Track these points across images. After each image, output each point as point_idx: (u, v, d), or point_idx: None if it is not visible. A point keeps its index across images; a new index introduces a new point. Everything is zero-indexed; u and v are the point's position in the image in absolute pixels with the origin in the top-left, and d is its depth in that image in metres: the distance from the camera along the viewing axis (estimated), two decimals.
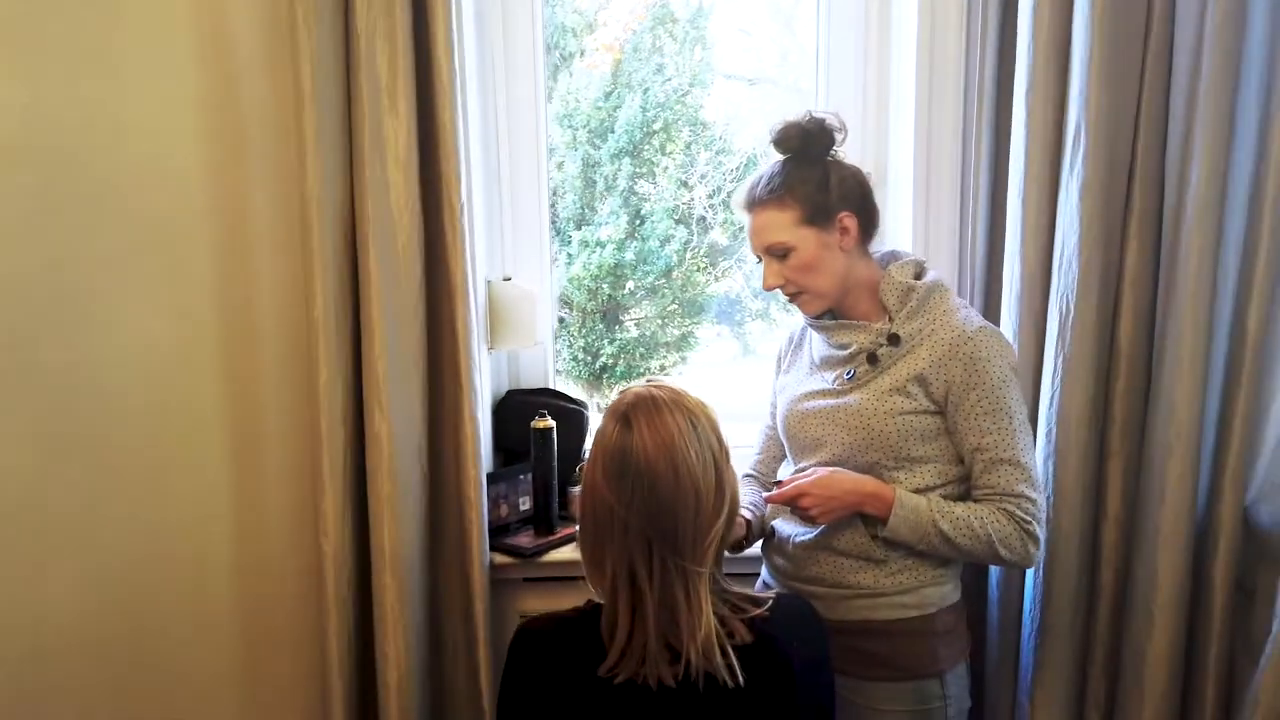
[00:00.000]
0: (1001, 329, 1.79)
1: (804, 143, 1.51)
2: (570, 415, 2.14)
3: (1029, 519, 1.47)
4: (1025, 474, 1.48)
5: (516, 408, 2.16)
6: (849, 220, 1.51)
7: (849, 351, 1.55)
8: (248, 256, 1.86)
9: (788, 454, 1.70)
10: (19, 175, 1.69)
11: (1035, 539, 1.48)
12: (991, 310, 1.86)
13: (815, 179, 1.50)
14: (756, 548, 1.69)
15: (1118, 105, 1.65)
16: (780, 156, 1.54)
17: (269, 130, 1.81)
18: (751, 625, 1.18)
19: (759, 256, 1.56)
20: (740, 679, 1.14)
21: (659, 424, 1.16)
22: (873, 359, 1.53)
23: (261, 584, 1.95)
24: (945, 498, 1.51)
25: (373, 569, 1.79)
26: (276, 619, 1.96)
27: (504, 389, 2.22)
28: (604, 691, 1.16)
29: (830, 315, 1.60)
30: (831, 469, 1.52)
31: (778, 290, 1.55)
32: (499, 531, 2.02)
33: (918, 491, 1.50)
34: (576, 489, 2.11)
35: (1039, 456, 1.74)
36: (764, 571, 1.71)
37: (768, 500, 1.58)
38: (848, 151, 1.58)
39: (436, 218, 1.78)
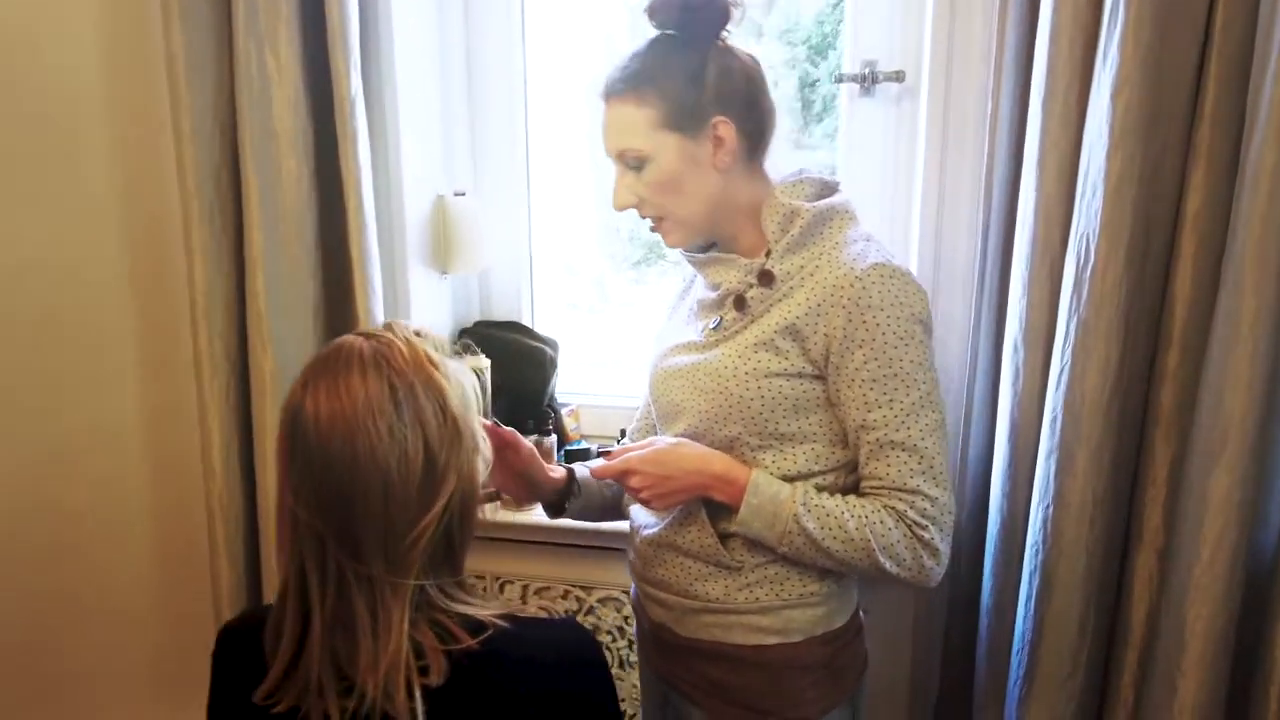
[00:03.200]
0: (1012, 281, 1.34)
1: (683, 17, 1.13)
2: (528, 354, 1.88)
3: (924, 522, 1.09)
4: (923, 463, 1.10)
5: (475, 340, 1.92)
6: (725, 128, 1.13)
7: (718, 294, 1.20)
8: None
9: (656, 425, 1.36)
10: None
11: (933, 550, 1.11)
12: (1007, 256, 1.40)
13: (687, 70, 1.12)
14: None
15: None
16: (653, 33, 1.17)
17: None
18: (452, 661, 0.89)
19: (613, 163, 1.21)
20: None
21: (341, 389, 0.88)
22: (740, 303, 1.17)
23: (163, 520, 1.87)
24: (824, 489, 1.15)
25: (258, 511, 1.65)
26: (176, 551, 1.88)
27: (473, 319, 1.99)
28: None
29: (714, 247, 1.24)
30: (676, 440, 1.19)
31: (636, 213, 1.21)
32: None
33: (786, 480, 1.15)
34: (531, 438, 1.86)
35: (1041, 450, 1.29)
36: None
37: (593, 473, 1.26)
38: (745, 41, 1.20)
39: (327, 119, 1.54)
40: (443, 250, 1.85)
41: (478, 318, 2.00)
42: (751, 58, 1.17)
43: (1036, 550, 1.31)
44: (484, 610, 0.93)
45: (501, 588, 1.84)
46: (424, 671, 0.88)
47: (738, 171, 1.16)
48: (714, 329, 1.20)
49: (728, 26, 1.14)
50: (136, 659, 1.95)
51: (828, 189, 1.21)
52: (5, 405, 1.71)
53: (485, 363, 1.74)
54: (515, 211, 1.93)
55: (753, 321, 1.16)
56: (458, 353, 1.65)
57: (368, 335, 0.94)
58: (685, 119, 1.12)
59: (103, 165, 1.71)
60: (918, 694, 1.70)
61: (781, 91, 1.91)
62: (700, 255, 1.22)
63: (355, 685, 0.88)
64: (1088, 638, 1.31)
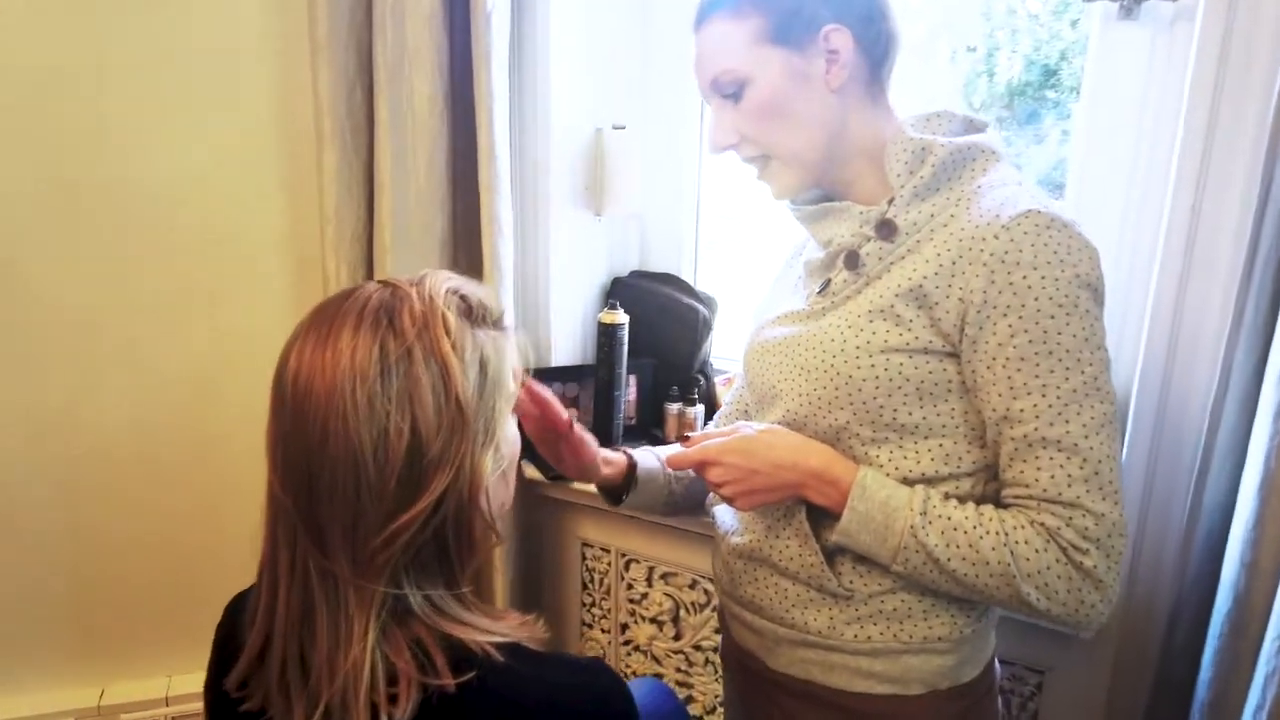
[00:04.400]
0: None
1: None
2: (679, 312, 1.68)
3: (1084, 544, 0.84)
4: (1086, 467, 0.84)
5: (627, 294, 1.74)
6: (840, 37, 0.89)
7: (828, 253, 0.96)
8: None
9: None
10: None
11: (1096, 581, 0.84)
12: None
13: None
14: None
15: None
16: None
17: None
18: (426, 697, 0.72)
19: (709, 102, 0.98)
20: None
21: (329, 344, 0.72)
22: (853, 261, 0.92)
23: None
24: (955, 498, 0.90)
25: None
26: None
27: (630, 268, 1.81)
28: (224, 712, 0.80)
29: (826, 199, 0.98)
30: (767, 427, 0.96)
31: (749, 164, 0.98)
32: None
33: (905, 484, 0.90)
34: (674, 407, 1.67)
35: (1258, 446, 0.93)
36: None
37: (668, 463, 1.04)
38: None
39: (466, 37, 1.39)
40: (597, 189, 1.67)
41: (635, 267, 1.82)
42: None
43: None
44: (484, 635, 0.76)
45: (627, 566, 1.69)
46: (394, 700, 0.72)
47: (856, 97, 0.92)
48: (820, 293, 0.96)
49: None
50: None
51: (972, 126, 0.95)
52: (163, 319, 1.73)
53: (622, 319, 1.56)
54: (683, 151, 1.71)
55: (868, 284, 0.92)
56: (611, 306, 1.50)
57: (387, 284, 0.77)
58: (791, 28, 0.89)
59: (260, 82, 1.67)
60: None
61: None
62: (809, 207, 0.97)
63: (319, 696, 0.73)
64: None
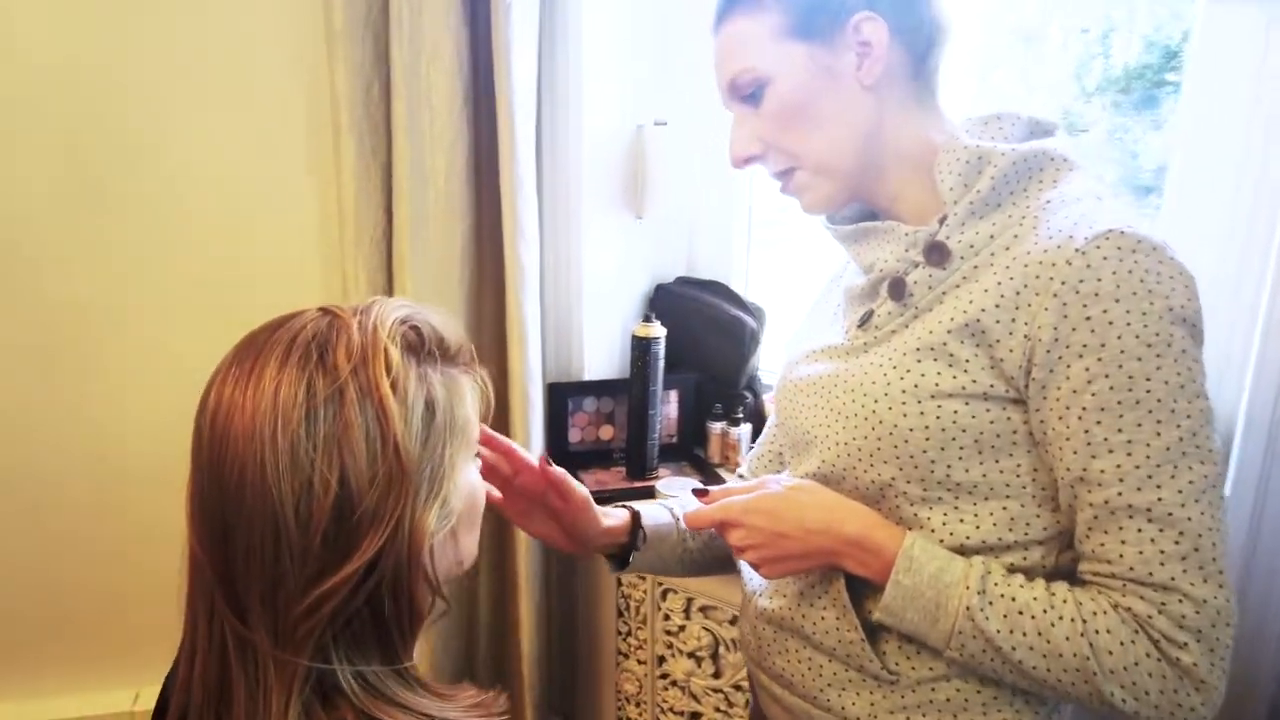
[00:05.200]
0: None
1: None
2: (724, 323, 1.55)
3: (1180, 637, 0.68)
4: (1184, 542, 0.68)
5: (669, 303, 1.63)
6: (872, 27, 0.76)
7: (870, 279, 0.82)
8: None
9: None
10: None
11: (1197, 681, 0.68)
12: None
13: None
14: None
15: None
16: None
17: None
18: None
19: (729, 109, 0.85)
20: None
21: (252, 380, 0.62)
22: (898, 290, 0.78)
23: None
24: (1021, 571, 0.76)
25: None
26: None
27: (675, 275, 1.69)
28: None
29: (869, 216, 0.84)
30: (798, 483, 0.83)
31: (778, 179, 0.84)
32: (588, 458, 1.56)
33: (960, 553, 0.76)
34: (717, 426, 1.55)
35: None
36: None
37: (686, 521, 0.89)
38: None
39: (486, 26, 1.29)
40: (638, 190, 1.56)
41: (681, 273, 1.70)
42: None
43: None
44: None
45: (664, 595, 1.57)
46: None
47: (897, 97, 0.78)
48: (861, 327, 0.82)
49: None
50: None
51: (1039, 129, 0.79)
52: (187, 317, 1.70)
53: (658, 332, 1.44)
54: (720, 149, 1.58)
55: (916, 317, 0.77)
56: (646, 319, 1.38)
57: (327, 311, 0.68)
58: (815, 19, 0.76)
59: (283, 75, 1.60)
60: None
61: None
62: (847, 226, 0.83)
63: None
64: None
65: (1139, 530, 0.69)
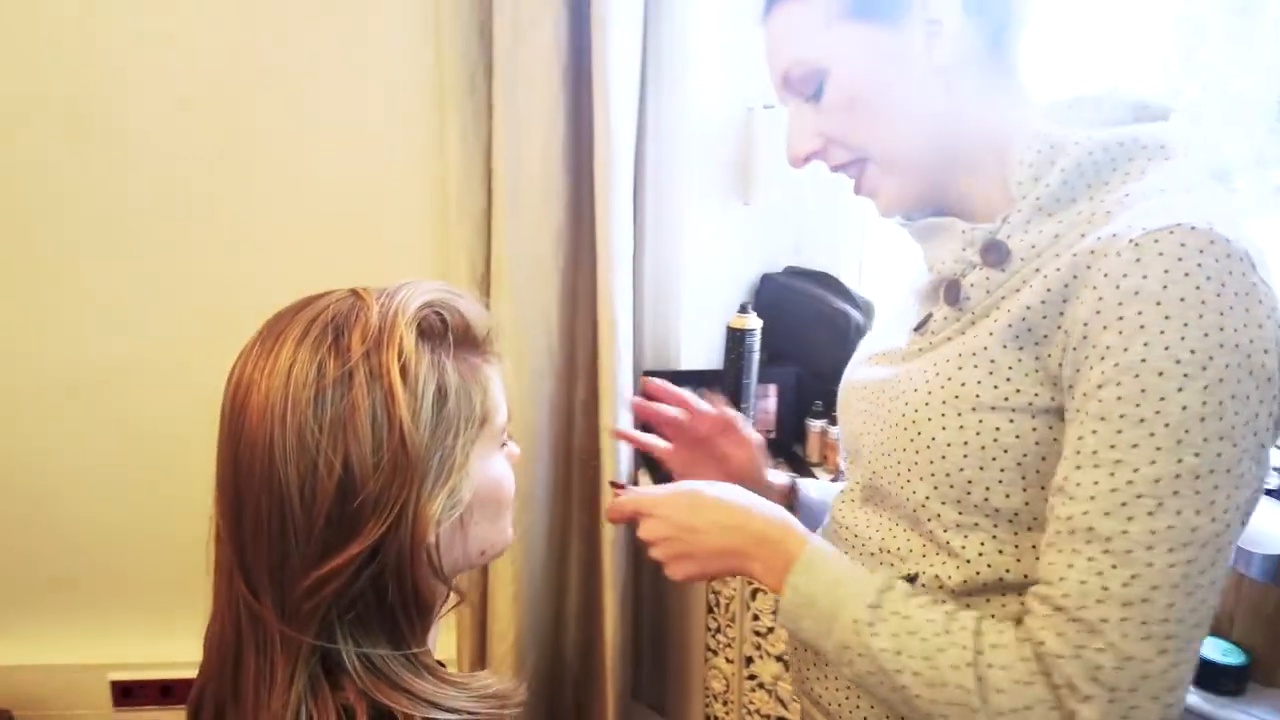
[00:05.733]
0: None
1: None
2: (826, 317, 1.48)
3: (1087, 690, 0.57)
4: (1137, 587, 0.57)
5: (774, 293, 1.57)
6: (942, 4, 0.67)
7: (931, 280, 0.75)
8: None
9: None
10: None
11: None
12: None
13: None
14: None
15: None
16: None
17: None
18: None
19: (784, 105, 0.78)
20: None
21: (270, 358, 0.63)
22: (953, 294, 0.70)
23: None
24: (949, 592, 0.70)
25: None
26: None
27: (784, 264, 1.63)
28: None
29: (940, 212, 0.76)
30: (722, 484, 0.78)
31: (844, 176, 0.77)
32: None
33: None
34: (817, 424, 1.48)
35: None
36: None
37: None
38: None
39: (586, 3, 1.27)
40: (745, 175, 1.50)
41: (791, 263, 1.63)
42: None
43: None
44: (424, 708, 0.64)
45: (753, 595, 1.52)
46: None
47: (972, 78, 0.69)
48: (918, 331, 0.75)
49: None
50: None
51: (1146, 112, 0.68)
52: (326, 283, 1.75)
53: (753, 324, 1.39)
54: None
55: (973, 323, 0.69)
56: (742, 310, 1.35)
57: (355, 292, 0.68)
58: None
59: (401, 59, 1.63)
60: None
61: None
62: (917, 223, 0.75)
63: None
64: None
65: (1090, 559, 0.58)
